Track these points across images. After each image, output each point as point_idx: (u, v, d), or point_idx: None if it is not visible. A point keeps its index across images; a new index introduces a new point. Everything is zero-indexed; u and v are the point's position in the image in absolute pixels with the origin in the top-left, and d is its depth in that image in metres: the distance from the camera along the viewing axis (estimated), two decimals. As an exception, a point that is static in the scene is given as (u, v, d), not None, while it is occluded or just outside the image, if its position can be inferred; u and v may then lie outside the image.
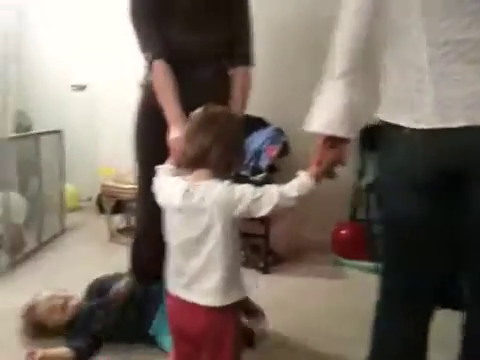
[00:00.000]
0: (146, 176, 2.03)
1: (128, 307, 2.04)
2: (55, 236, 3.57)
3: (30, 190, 3.45)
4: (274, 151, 3.14)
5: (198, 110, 1.51)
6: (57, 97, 4.30)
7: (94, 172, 4.51)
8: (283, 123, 3.30)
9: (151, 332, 2.04)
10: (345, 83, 1.30)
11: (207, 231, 1.41)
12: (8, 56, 3.56)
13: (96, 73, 4.34)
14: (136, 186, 2.18)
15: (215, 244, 1.41)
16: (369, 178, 3.22)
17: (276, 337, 2.18)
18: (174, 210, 1.47)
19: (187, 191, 1.44)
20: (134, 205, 3.86)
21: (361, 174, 3.33)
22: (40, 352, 1.95)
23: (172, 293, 1.52)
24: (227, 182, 1.43)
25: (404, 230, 1.31)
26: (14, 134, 3.64)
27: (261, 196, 1.41)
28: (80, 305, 2.09)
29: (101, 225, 3.75)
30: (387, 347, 1.39)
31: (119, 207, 3.81)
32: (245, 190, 1.42)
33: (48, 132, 3.54)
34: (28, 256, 3.16)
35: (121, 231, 3.65)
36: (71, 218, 3.87)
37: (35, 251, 3.25)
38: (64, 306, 2.06)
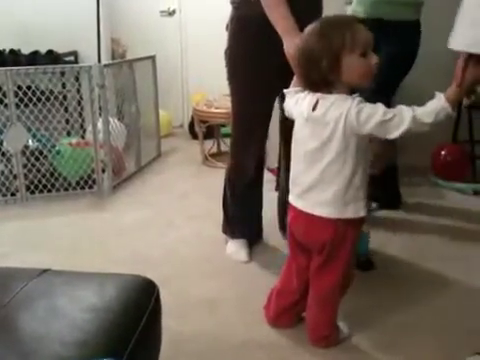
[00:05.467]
0: (240, 94, 2.03)
1: None
2: (152, 160, 3.72)
3: (127, 116, 3.58)
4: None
5: (315, 22, 1.41)
6: (148, 24, 4.35)
7: (184, 99, 4.59)
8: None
9: None
10: None
11: (325, 145, 1.40)
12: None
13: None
14: (232, 105, 2.16)
15: (332, 159, 1.40)
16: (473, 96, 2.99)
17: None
18: (303, 121, 1.47)
19: (315, 103, 1.43)
20: (223, 130, 3.94)
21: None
22: None
23: (290, 202, 1.56)
24: (358, 99, 1.37)
25: None
26: (110, 61, 3.75)
27: (391, 118, 1.33)
28: None
29: (194, 150, 3.86)
30: None
31: (210, 132, 3.87)
32: (375, 110, 1.35)
33: (141, 58, 3.59)
34: (129, 179, 3.33)
35: (213, 156, 3.73)
36: (165, 144, 3.98)
37: (135, 174, 3.42)
38: None
